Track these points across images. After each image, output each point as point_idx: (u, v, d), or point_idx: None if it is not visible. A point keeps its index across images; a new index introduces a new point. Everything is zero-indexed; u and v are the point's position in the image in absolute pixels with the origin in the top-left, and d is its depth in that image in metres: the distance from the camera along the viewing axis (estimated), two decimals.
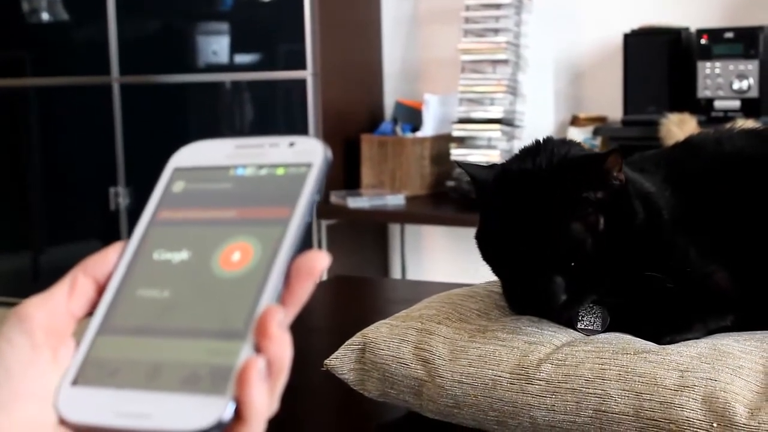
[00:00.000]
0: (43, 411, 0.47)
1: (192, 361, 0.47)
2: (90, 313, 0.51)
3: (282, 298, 0.47)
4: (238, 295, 0.47)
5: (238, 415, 0.45)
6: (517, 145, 3.25)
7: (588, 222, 0.99)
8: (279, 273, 0.47)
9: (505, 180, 1.03)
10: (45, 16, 3.93)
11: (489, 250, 1.05)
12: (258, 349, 0.46)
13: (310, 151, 0.51)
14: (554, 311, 1.01)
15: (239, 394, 0.45)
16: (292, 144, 0.52)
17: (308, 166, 0.51)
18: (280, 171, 0.51)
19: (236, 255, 0.49)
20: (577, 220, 0.98)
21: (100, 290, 0.51)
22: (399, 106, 3.79)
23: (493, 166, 1.09)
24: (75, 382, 0.49)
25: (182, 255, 0.50)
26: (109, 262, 0.51)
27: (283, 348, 0.46)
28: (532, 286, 0.99)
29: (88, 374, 0.49)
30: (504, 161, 1.09)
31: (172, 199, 0.53)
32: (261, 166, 0.52)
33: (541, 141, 1.05)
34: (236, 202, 0.51)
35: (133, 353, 0.49)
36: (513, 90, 3.45)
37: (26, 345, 0.48)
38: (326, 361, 1.08)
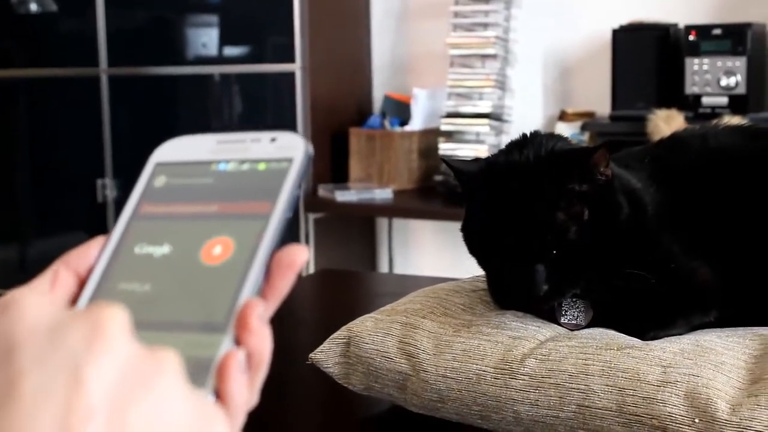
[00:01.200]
0: None
1: None
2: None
3: (262, 292, 0.48)
4: (218, 288, 0.47)
5: None
6: (506, 140, 3.21)
7: (572, 212, 0.99)
8: (259, 267, 0.47)
9: (491, 172, 1.03)
10: (33, 7, 3.91)
11: (475, 242, 1.05)
12: (238, 341, 0.46)
13: (291, 147, 0.51)
14: (535, 300, 1.01)
15: (219, 386, 0.45)
16: (273, 139, 0.52)
17: (289, 161, 0.51)
18: (262, 166, 0.51)
19: (217, 249, 0.49)
20: (562, 210, 0.99)
21: (82, 284, 0.51)
22: (387, 100, 3.79)
23: (478, 160, 1.09)
24: None
25: (164, 249, 0.50)
26: (90, 255, 0.51)
27: (262, 341, 0.46)
28: (514, 275, 1.00)
29: None
30: (490, 155, 1.09)
31: (153, 194, 0.53)
32: (242, 161, 0.52)
33: (528, 135, 1.05)
34: (218, 196, 0.51)
35: None
36: (501, 85, 3.45)
37: None
38: (311, 355, 1.08)
